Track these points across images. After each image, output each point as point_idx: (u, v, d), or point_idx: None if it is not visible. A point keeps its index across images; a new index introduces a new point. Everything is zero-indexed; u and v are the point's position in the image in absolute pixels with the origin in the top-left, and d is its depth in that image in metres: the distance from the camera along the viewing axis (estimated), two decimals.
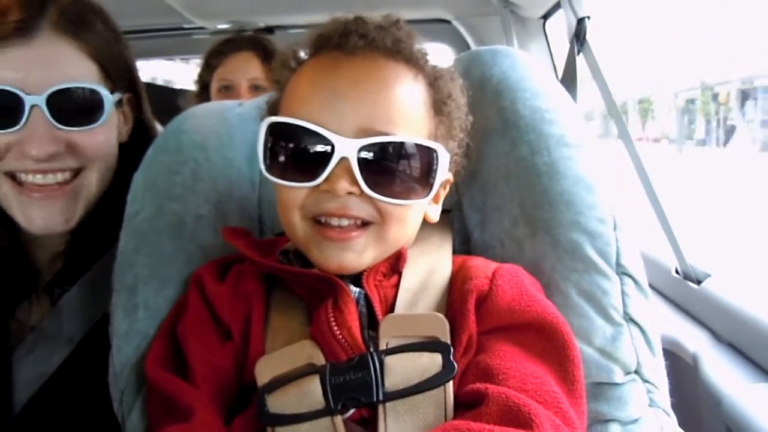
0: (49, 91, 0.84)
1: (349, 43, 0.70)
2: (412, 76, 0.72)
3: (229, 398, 0.70)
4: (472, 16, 2.14)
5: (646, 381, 0.77)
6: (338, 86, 0.68)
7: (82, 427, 0.88)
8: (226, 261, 0.77)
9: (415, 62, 0.73)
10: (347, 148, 0.66)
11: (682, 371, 1.18)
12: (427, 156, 0.69)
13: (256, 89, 1.77)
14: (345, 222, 0.68)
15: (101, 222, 0.95)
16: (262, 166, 0.71)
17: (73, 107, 0.87)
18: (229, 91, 1.80)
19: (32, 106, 0.84)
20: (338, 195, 0.67)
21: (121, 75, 0.96)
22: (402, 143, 0.68)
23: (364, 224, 0.69)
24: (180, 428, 0.65)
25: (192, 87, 1.94)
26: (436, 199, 0.77)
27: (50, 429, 0.89)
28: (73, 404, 0.90)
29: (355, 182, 0.66)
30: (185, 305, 0.74)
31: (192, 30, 2.26)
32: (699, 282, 1.32)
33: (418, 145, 0.69)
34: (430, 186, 0.70)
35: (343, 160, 0.66)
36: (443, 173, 0.72)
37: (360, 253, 0.69)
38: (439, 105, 0.74)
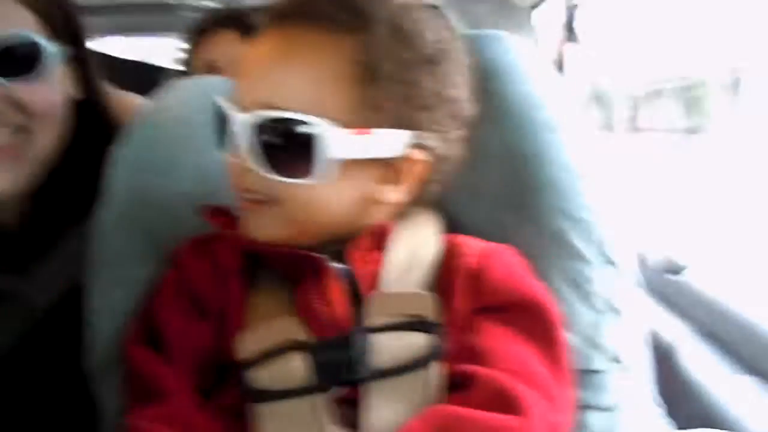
0: None
1: (271, 18, 0.69)
2: (322, 41, 0.65)
3: (207, 377, 0.69)
4: (463, 3, 2.13)
5: (628, 369, 0.77)
6: (246, 62, 0.69)
7: (51, 401, 0.86)
8: (206, 238, 0.75)
9: (338, 25, 0.65)
10: (237, 123, 0.65)
11: (661, 361, 1.19)
12: (306, 133, 0.63)
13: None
14: (247, 195, 0.67)
15: (64, 190, 0.92)
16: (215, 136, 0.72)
17: (10, 59, 0.82)
18: (213, 71, 1.75)
19: None
20: (239, 170, 0.66)
21: (63, 27, 0.90)
22: (278, 118, 0.63)
23: (269, 201, 0.66)
24: (156, 409, 0.64)
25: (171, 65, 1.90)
26: (396, 180, 0.69)
27: (15, 402, 0.88)
28: (37, 379, 0.88)
29: (240, 156, 0.65)
30: (163, 283, 0.73)
31: (176, 5, 2.22)
32: (678, 273, 1.33)
33: (293, 120, 0.63)
34: (313, 165, 0.63)
35: (236, 134, 0.65)
36: (334, 152, 0.64)
37: (264, 227, 0.67)
38: (368, 71, 0.65)
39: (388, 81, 0.66)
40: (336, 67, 0.65)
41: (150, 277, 0.79)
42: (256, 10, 2.18)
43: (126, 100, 1.07)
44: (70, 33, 0.92)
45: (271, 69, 0.66)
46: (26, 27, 0.85)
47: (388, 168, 0.68)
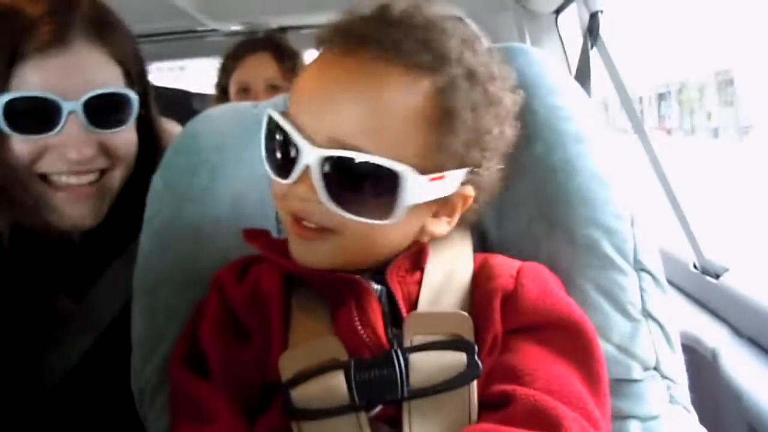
0: (85, 97, 0.89)
1: (345, 42, 0.67)
2: (408, 83, 0.65)
3: (252, 400, 0.71)
4: (484, 13, 2.13)
5: (665, 377, 0.77)
6: (319, 89, 0.67)
7: (105, 420, 0.90)
8: (246, 261, 0.78)
9: (419, 66, 0.65)
10: (311, 157, 0.64)
11: (702, 367, 1.18)
12: (388, 178, 0.64)
13: (273, 89, 1.77)
14: (304, 222, 0.67)
15: (115, 221, 0.98)
16: (263, 154, 0.71)
17: (106, 111, 0.92)
18: (247, 93, 1.81)
19: (70, 112, 0.88)
20: (302, 200, 0.66)
21: (138, 76, 0.99)
22: (363, 162, 0.64)
23: (326, 230, 0.67)
24: (204, 430, 0.66)
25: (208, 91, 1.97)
26: (449, 213, 0.72)
27: (75, 419, 0.91)
28: (95, 397, 0.92)
29: (314, 190, 0.65)
30: (206, 308, 0.75)
31: (205, 33, 2.28)
32: (717, 276, 1.31)
33: (379, 166, 0.64)
34: (392, 208, 0.65)
35: (308, 167, 0.65)
36: (414, 197, 0.66)
37: (320, 255, 0.68)
38: (446, 116, 0.66)
39: (463, 126, 0.67)
40: (417, 108, 0.65)
41: (192, 301, 0.81)
42: (284, 30, 2.24)
43: (165, 128, 1.12)
44: (142, 79, 1.01)
45: (348, 102, 0.65)
46: (116, 80, 0.94)
47: (444, 204, 0.71)
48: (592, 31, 1.28)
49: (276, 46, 1.84)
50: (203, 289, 0.80)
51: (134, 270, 0.86)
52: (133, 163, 0.99)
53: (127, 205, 0.96)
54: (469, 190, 0.71)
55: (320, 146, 0.64)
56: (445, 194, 0.69)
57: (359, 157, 0.64)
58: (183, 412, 0.71)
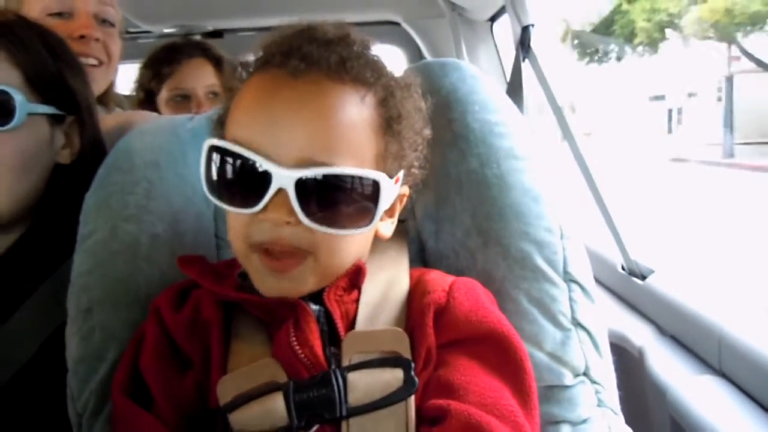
0: None
1: (291, 64, 0.68)
2: (358, 97, 0.69)
3: (195, 427, 0.71)
4: (421, 19, 2.16)
5: (595, 382, 0.81)
6: (277, 112, 0.67)
7: None
8: (185, 286, 0.77)
9: (363, 81, 0.70)
10: (284, 179, 0.64)
11: (629, 365, 1.24)
12: (368, 186, 0.68)
13: (214, 95, 1.72)
14: (276, 249, 0.67)
15: (41, 239, 0.93)
16: (205, 188, 0.70)
17: None
18: (186, 100, 1.73)
19: None
20: (276, 224, 0.66)
21: (55, 92, 0.95)
22: (341, 175, 0.66)
23: (298, 254, 0.68)
24: None
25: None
26: (391, 214, 0.77)
27: None
28: (21, 425, 0.88)
29: (292, 212, 0.65)
30: (144, 337, 0.74)
31: (137, 34, 2.22)
32: (644, 278, 1.37)
33: (358, 177, 0.67)
34: (372, 215, 0.69)
35: (281, 190, 0.65)
36: (386, 201, 0.70)
37: (298, 282, 0.69)
38: (389, 123, 0.72)
39: (403, 131, 0.73)
40: (368, 120, 0.70)
41: (129, 322, 0.80)
42: (219, 33, 2.21)
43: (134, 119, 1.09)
44: (69, 101, 0.96)
45: (311, 122, 0.66)
46: (6, 80, 0.88)
47: (395, 202, 0.76)
48: (524, 44, 1.32)
49: (212, 53, 1.79)
50: (141, 309, 0.79)
51: (68, 291, 0.83)
52: (35, 185, 0.93)
53: (54, 222, 0.92)
54: (405, 189, 0.77)
55: (291, 167, 0.65)
56: (396, 196, 0.74)
57: (341, 171, 0.66)
58: None
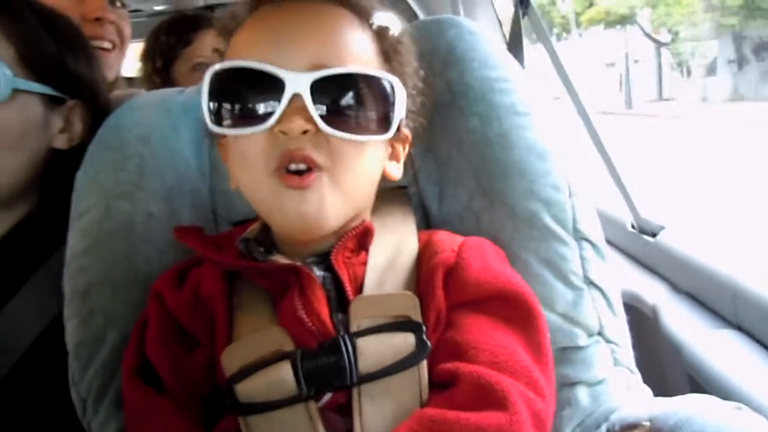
0: None
1: None
2: (358, 23, 0.70)
3: (209, 404, 0.69)
4: None
5: (609, 341, 0.79)
6: (283, 27, 0.66)
7: None
8: (184, 267, 0.74)
9: (362, 11, 0.71)
10: (299, 84, 0.62)
11: (643, 324, 1.22)
12: (384, 88, 0.67)
13: None
14: (303, 166, 0.64)
15: (37, 227, 0.91)
16: (208, 121, 0.67)
17: None
18: (203, 68, 1.70)
19: None
20: (294, 135, 0.63)
21: (54, 73, 0.92)
22: (357, 74, 0.65)
23: (317, 171, 0.65)
24: None
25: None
26: (395, 157, 0.75)
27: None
28: (25, 412, 0.87)
29: (310, 120, 0.63)
30: (148, 321, 0.72)
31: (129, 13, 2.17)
32: (654, 235, 1.35)
33: (373, 77, 0.66)
34: (389, 121, 0.67)
35: (296, 96, 0.63)
36: (401, 109, 0.69)
37: (318, 203, 0.65)
38: (387, 54, 0.72)
39: (403, 65, 0.73)
40: (371, 43, 0.70)
41: (129, 303, 0.78)
42: (211, 8, 2.16)
43: None
44: (70, 84, 0.94)
45: (320, 32, 0.66)
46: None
47: (393, 147, 0.74)
48: (522, 0, 1.28)
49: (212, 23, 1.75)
50: (140, 289, 0.77)
51: (63, 272, 0.81)
52: (32, 168, 0.91)
53: (53, 208, 0.89)
54: (407, 132, 0.75)
55: (304, 72, 0.63)
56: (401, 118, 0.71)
57: (356, 70, 0.65)
58: (134, 422, 0.68)
